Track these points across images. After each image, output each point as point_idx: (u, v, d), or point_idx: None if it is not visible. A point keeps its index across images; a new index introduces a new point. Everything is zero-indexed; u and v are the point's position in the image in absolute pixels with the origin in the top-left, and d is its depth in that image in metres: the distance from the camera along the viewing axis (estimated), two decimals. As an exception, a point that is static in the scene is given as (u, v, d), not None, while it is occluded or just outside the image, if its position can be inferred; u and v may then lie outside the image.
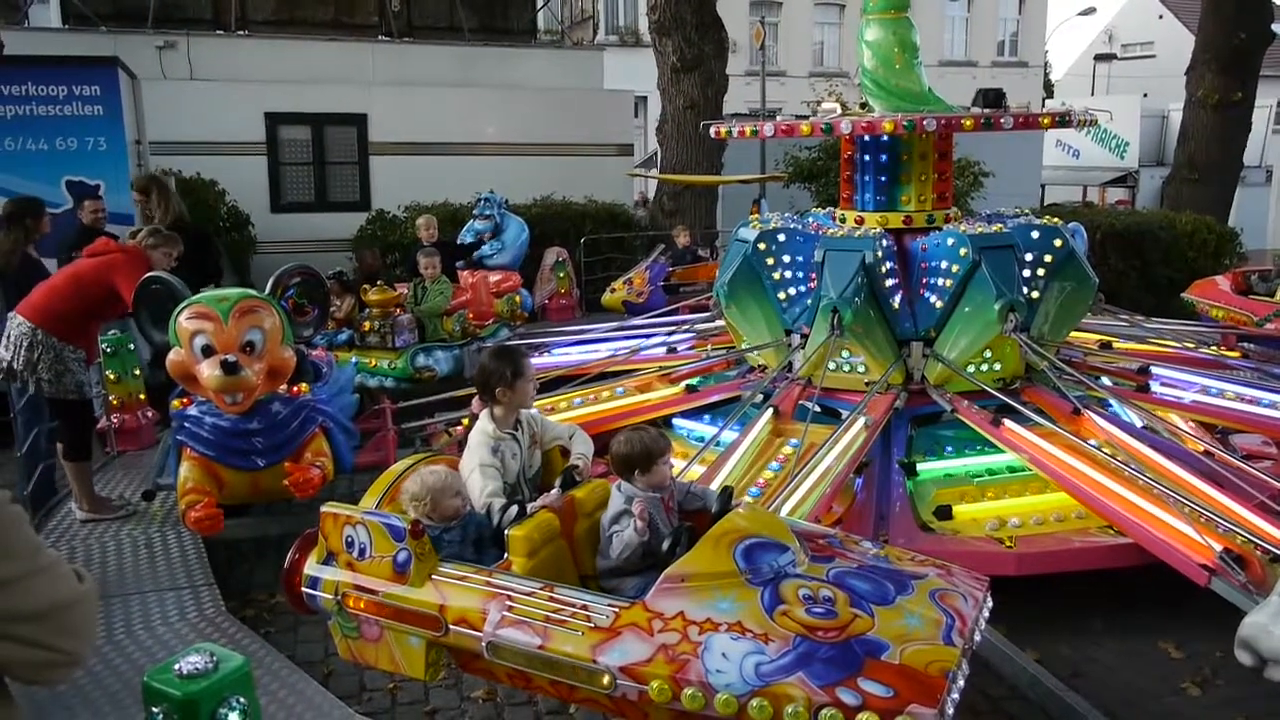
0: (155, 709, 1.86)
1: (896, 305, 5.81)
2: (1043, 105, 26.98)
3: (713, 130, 6.69)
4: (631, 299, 10.70)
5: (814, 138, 9.64)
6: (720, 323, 7.12)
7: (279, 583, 3.57)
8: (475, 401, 4.09)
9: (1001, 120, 5.72)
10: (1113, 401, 5.80)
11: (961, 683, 2.71)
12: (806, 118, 6.72)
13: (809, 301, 5.85)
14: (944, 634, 2.76)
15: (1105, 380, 6.31)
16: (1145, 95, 24.95)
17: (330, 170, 12.69)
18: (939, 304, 5.75)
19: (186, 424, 4.75)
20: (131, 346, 6.16)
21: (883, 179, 6.24)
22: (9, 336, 5.04)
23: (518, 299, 9.27)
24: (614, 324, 8.86)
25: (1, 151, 8.16)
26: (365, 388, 7.11)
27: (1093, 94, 28.84)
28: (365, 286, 7.81)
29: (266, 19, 13.92)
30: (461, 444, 3.82)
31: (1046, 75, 37.35)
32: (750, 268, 6.08)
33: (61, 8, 13.97)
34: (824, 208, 7.37)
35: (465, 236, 10.13)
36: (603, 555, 3.32)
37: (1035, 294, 5.72)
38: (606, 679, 2.75)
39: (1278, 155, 22.15)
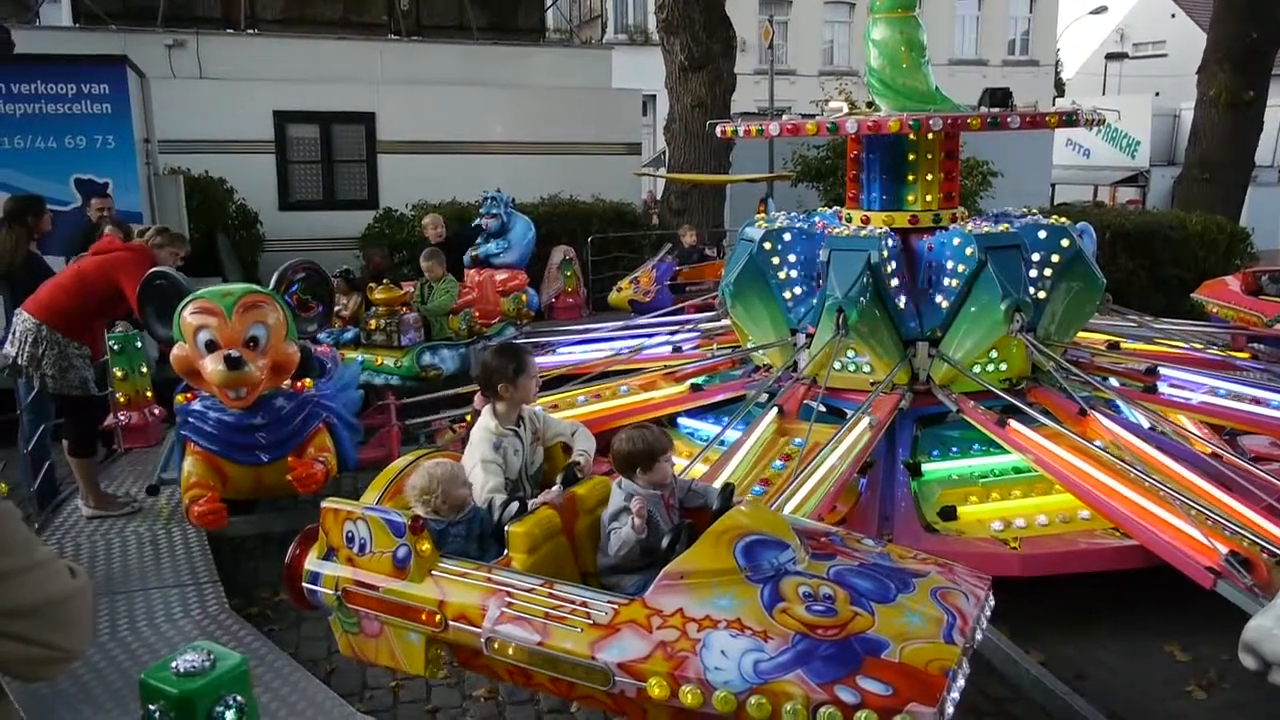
0: (152, 706, 1.85)
1: (902, 305, 5.79)
2: (1053, 104, 26.87)
3: (718, 129, 6.68)
4: (638, 298, 10.68)
5: (822, 137, 9.60)
6: (725, 322, 7.11)
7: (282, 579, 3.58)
8: (478, 398, 4.10)
9: (1008, 120, 5.69)
10: (1119, 402, 5.77)
11: (962, 681, 2.69)
12: (813, 116, 6.71)
13: (814, 301, 5.84)
14: (945, 632, 2.74)
15: (1112, 381, 6.28)
16: (1157, 94, 24.88)
17: (338, 169, 12.71)
18: (945, 304, 5.73)
19: (190, 419, 4.75)
20: (139, 344, 6.18)
21: (889, 178, 6.22)
22: (15, 333, 5.08)
23: (524, 298, 9.28)
24: (620, 323, 8.86)
25: (11, 149, 8.21)
26: (371, 386, 7.12)
27: (1104, 93, 28.77)
28: (371, 285, 7.83)
29: (275, 18, 13.98)
30: (464, 440, 3.83)
31: (1058, 74, 37.21)
32: (755, 267, 6.08)
33: (72, 7, 14.05)
34: (831, 207, 7.35)
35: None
36: (603, 552, 3.32)
37: (1042, 294, 5.70)
38: (604, 676, 2.74)
39: (1290, 155, 22.01)
